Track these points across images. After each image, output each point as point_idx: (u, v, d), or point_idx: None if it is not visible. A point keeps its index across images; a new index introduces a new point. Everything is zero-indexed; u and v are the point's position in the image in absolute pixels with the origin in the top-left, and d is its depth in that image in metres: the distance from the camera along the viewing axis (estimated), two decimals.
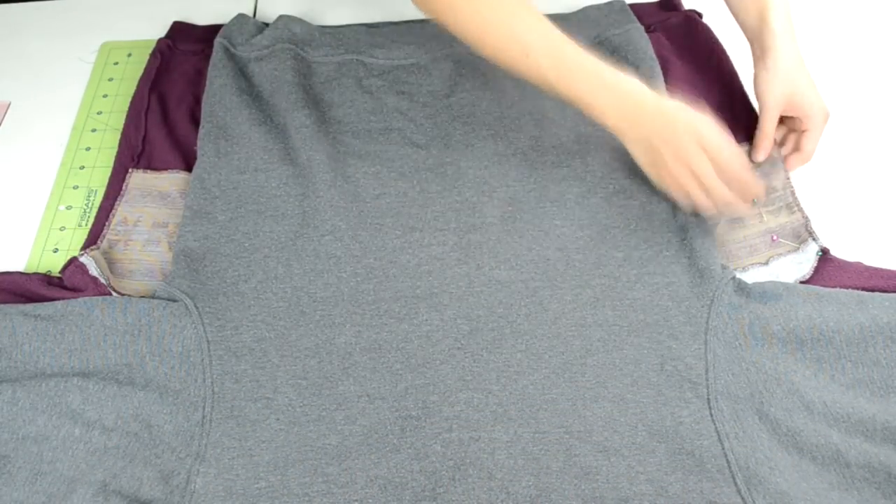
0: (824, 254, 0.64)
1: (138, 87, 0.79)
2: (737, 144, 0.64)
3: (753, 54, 0.71)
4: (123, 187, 0.71)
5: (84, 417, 0.56)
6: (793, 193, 0.67)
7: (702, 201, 0.63)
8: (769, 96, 0.68)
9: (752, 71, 0.70)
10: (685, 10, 0.83)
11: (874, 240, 0.67)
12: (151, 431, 0.57)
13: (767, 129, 0.69)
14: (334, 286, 0.64)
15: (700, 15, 0.83)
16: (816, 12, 0.86)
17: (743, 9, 0.71)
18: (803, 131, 0.70)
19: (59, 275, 0.64)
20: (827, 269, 0.63)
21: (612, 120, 0.63)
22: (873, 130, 0.75)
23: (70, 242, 0.70)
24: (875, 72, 0.80)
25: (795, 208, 0.67)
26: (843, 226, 0.68)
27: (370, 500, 0.54)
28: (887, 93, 0.78)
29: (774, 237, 0.66)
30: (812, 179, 0.71)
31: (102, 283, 0.64)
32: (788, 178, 0.68)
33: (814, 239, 0.65)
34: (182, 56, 0.82)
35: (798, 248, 0.65)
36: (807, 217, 0.66)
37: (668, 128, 0.61)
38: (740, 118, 0.74)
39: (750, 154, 0.70)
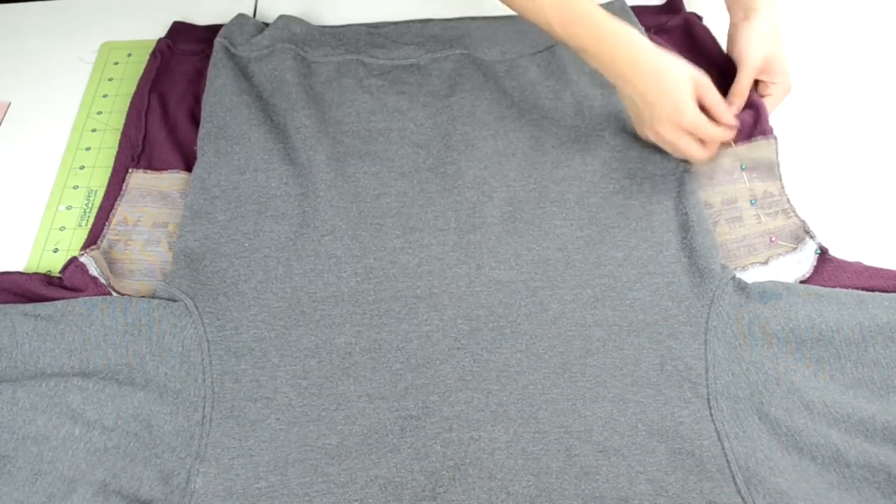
0: (823, 253, 0.64)
1: (138, 87, 0.79)
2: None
3: (734, 16, 0.75)
4: (123, 187, 0.71)
5: (84, 417, 0.56)
6: (788, 201, 0.68)
7: (695, 152, 0.67)
8: (750, 54, 0.72)
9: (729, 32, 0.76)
10: (685, 13, 0.83)
11: (873, 240, 0.67)
12: (151, 431, 0.57)
13: (744, 85, 0.73)
14: (334, 286, 0.64)
15: (700, 18, 0.83)
16: (814, 12, 0.86)
17: None
18: (767, 96, 0.74)
19: (59, 275, 0.64)
20: (826, 268, 0.63)
21: (610, 70, 0.66)
22: (872, 131, 0.75)
23: (70, 242, 0.70)
24: (873, 73, 0.80)
25: (792, 213, 0.67)
26: (841, 227, 0.68)
27: (370, 500, 0.54)
28: (885, 94, 0.78)
29: (773, 238, 0.66)
30: (810, 180, 0.71)
31: (102, 283, 0.64)
32: (783, 186, 0.68)
33: (811, 237, 0.65)
34: (182, 56, 0.82)
35: (796, 248, 0.65)
36: (804, 221, 0.66)
37: (664, 82, 0.64)
38: (750, 105, 0.73)
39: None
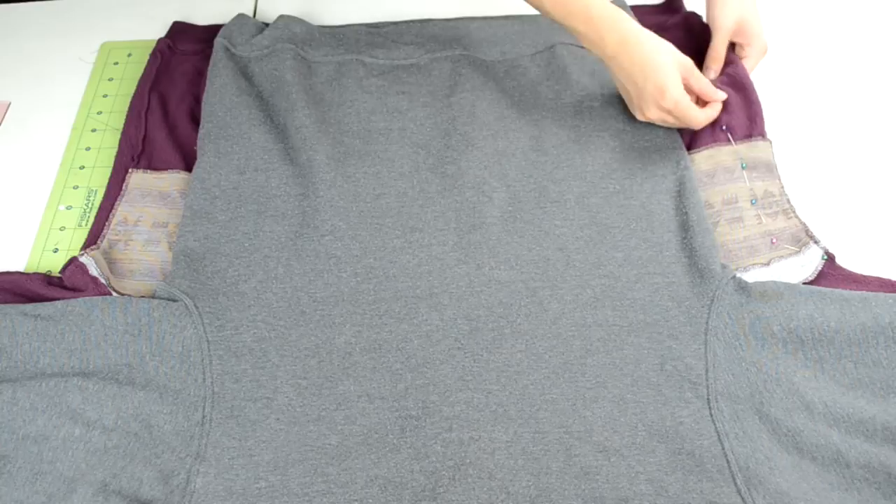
0: (830, 260, 0.63)
1: (138, 87, 0.79)
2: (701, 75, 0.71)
3: None
4: (123, 187, 0.71)
5: (84, 417, 0.56)
6: (788, 201, 0.67)
7: (678, 125, 0.71)
8: (722, 20, 0.75)
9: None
10: (685, 12, 0.83)
11: (880, 246, 0.66)
12: (151, 431, 0.57)
13: (719, 51, 0.76)
14: (334, 286, 0.64)
15: (700, 17, 0.82)
16: (816, 13, 0.86)
17: None
18: (743, 58, 0.76)
19: (59, 275, 0.64)
20: (835, 276, 0.62)
21: (601, 51, 0.68)
22: (882, 134, 0.74)
23: (70, 242, 0.70)
24: (876, 74, 0.80)
25: (792, 214, 0.67)
26: (848, 231, 0.67)
27: (370, 500, 0.54)
28: (888, 95, 0.78)
29: (774, 240, 0.66)
30: (813, 183, 0.71)
31: (102, 283, 0.64)
32: (783, 186, 0.68)
33: (815, 242, 0.64)
34: (182, 56, 0.82)
35: (799, 251, 0.65)
36: (804, 223, 0.66)
37: (650, 64, 0.67)
38: (748, 104, 0.73)
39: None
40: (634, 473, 0.55)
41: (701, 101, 0.72)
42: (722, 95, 0.71)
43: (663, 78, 0.67)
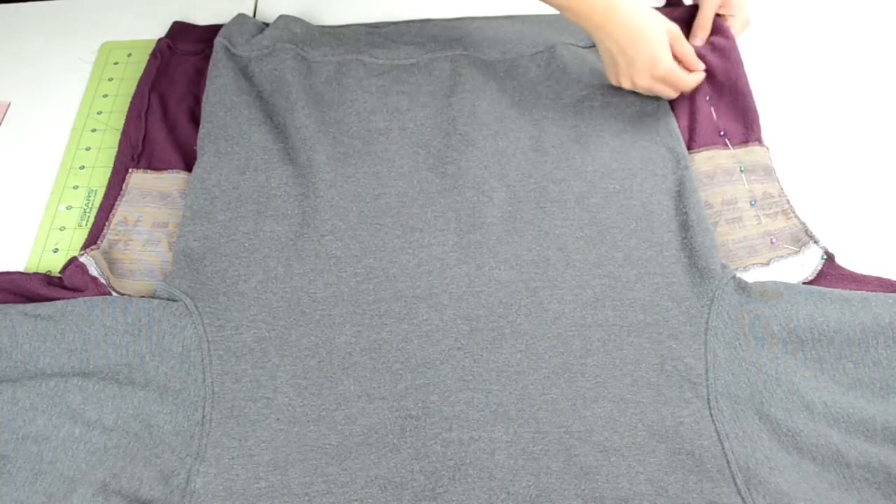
0: (830, 259, 0.63)
1: (138, 87, 0.79)
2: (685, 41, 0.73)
3: None
4: (123, 187, 0.71)
5: (84, 417, 0.56)
6: (788, 202, 0.67)
7: (668, 95, 0.73)
8: None
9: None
10: (687, 6, 0.83)
11: (880, 246, 0.66)
12: (151, 431, 0.57)
13: (706, 21, 0.79)
14: (334, 286, 0.64)
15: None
16: (816, 13, 0.86)
17: None
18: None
19: (59, 275, 0.64)
20: (834, 276, 0.62)
21: (587, 22, 0.69)
22: (879, 134, 0.75)
23: (70, 242, 0.70)
24: (878, 74, 0.80)
25: (792, 214, 0.67)
26: (848, 231, 0.67)
27: (370, 500, 0.54)
28: (888, 95, 0.78)
29: (773, 240, 0.66)
30: (813, 183, 0.71)
31: (102, 283, 0.64)
32: (782, 188, 0.68)
33: (815, 242, 0.64)
34: (182, 56, 0.82)
35: (798, 251, 0.65)
36: (804, 223, 0.66)
37: (641, 34, 0.68)
38: (745, 111, 0.73)
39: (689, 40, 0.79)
40: (634, 473, 0.55)
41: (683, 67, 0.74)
42: (701, 65, 0.74)
43: (655, 46, 0.68)
